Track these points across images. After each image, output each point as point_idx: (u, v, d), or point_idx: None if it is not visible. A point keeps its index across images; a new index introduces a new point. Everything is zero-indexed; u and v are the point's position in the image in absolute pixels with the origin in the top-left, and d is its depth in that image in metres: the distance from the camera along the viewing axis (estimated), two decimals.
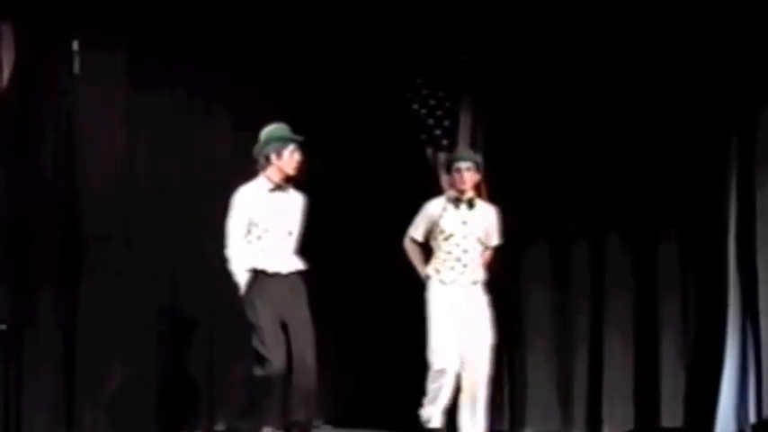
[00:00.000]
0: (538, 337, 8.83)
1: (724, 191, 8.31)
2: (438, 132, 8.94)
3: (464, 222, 7.82)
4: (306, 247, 7.42)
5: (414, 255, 7.94)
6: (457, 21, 8.79)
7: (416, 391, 7.84)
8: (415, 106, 8.97)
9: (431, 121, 8.96)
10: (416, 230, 7.90)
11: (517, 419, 8.84)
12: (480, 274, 7.86)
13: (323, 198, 8.71)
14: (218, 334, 8.53)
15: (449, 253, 7.80)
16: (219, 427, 8.53)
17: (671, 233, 8.63)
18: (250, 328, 7.15)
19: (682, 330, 8.58)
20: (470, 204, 7.84)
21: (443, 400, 7.73)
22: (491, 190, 8.87)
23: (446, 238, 7.80)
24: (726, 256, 8.28)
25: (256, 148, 7.34)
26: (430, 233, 7.88)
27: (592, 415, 8.69)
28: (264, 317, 7.12)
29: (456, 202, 7.83)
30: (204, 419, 8.58)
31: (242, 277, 7.19)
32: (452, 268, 7.80)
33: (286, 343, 7.14)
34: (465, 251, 7.80)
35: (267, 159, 7.30)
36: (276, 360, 7.05)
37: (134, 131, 8.38)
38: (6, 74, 7.74)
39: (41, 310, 7.87)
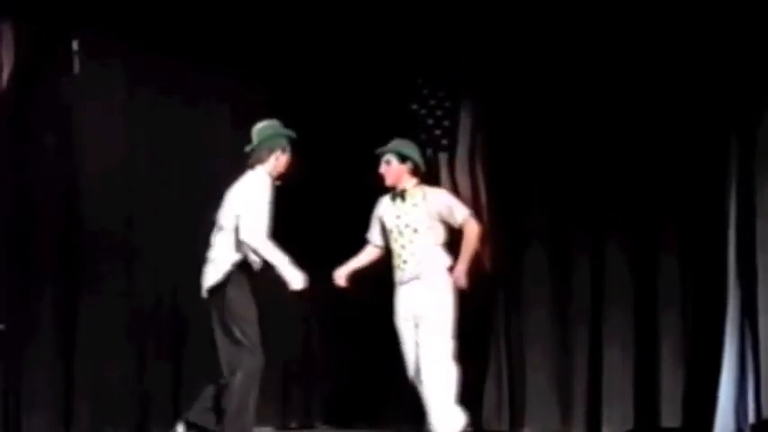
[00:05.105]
0: (538, 337, 8.84)
1: (724, 191, 8.30)
2: (438, 132, 8.95)
3: (398, 216, 7.28)
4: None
5: (357, 256, 7.47)
6: (457, 21, 8.80)
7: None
8: (415, 106, 8.99)
9: (431, 121, 8.97)
10: (370, 232, 7.47)
11: (517, 419, 8.87)
12: (424, 268, 7.19)
13: (322, 199, 8.73)
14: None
15: (394, 251, 7.30)
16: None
17: (671, 233, 8.63)
18: (241, 320, 6.84)
19: (681, 330, 8.59)
20: (402, 197, 7.28)
21: None
22: (490, 191, 8.92)
23: (388, 237, 7.34)
24: (726, 257, 8.27)
25: (263, 138, 6.97)
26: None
27: (591, 415, 8.71)
28: (254, 311, 6.88)
29: (393, 197, 7.34)
30: None
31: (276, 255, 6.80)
32: (397, 266, 7.28)
33: None
34: (402, 246, 7.23)
35: (271, 153, 6.94)
36: (261, 355, 6.84)
37: (134, 131, 8.39)
38: (6, 74, 7.76)
39: (41, 310, 7.89)
